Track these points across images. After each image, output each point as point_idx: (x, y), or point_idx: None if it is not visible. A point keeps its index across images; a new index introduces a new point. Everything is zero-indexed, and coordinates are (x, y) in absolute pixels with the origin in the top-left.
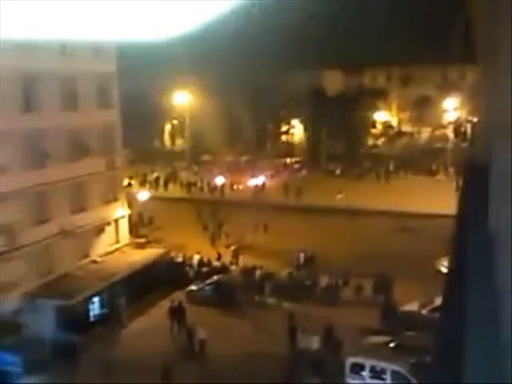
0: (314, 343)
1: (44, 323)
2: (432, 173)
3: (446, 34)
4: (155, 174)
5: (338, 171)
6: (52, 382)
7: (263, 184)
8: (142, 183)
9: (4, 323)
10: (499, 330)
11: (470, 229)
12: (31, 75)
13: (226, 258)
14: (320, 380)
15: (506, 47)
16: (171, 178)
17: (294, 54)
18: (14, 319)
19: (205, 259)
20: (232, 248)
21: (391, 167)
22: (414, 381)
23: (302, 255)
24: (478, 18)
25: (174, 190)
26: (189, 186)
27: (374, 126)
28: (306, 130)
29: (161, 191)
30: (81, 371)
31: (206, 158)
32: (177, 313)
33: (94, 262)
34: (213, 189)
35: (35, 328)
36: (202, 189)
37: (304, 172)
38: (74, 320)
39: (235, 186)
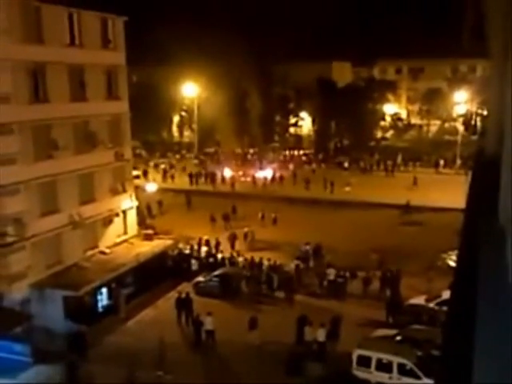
0: (321, 335)
1: (52, 313)
2: (441, 166)
3: (457, 27)
4: (162, 166)
5: (346, 164)
6: (60, 372)
7: (272, 177)
8: (149, 175)
9: (13, 313)
10: (510, 324)
11: (479, 222)
12: (40, 66)
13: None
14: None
15: None
16: (179, 169)
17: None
18: (22, 309)
19: (212, 251)
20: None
21: (400, 160)
22: (420, 374)
23: (309, 247)
24: (491, 11)
25: (182, 182)
26: (196, 177)
27: (383, 119)
28: (314, 122)
29: (168, 183)
30: (88, 361)
31: (213, 149)
32: (184, 304)
33: (103, 252)
34: (221, 181)
35: (44, 318)
36: (209, 181)
37: (312, 165)
38: (82, 311)
39: (243, 178)
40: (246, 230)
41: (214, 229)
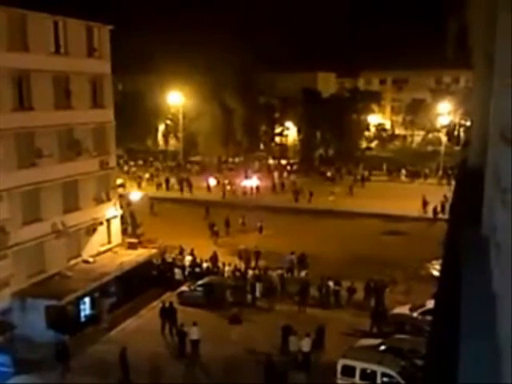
0: (305, 345)
1: (34, 323)
2: (424, 176)
3: (441, 39)
4: (147, 174)
5: (330, 174)
6: (42, 382)
7: (257, 186)
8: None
9: None
10: (494, 332)
11: (462, 232)
12: (25, 74)
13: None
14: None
15: (500, 52)
16: (163, 177)
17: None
18: (4, 319)
19: (197, 260)
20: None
21: (384, 169)
22: (404, 383)
23: (293, 257)
24: (474, 24)
25: (166, 191)
26: (181, 185)
27: (367, 129)
28: (299, 131)
29: (153, 191)
30: (70, 371)
31: (198, 158)
32: (168, 314)
33: (86, 261)
34: (206, 189)
35: (25, 328)
36: (198, 189)
37: (297, 174)
38: (64, 320)
39: (228, 187)
40: (242, 247)
41: (198, 238)
